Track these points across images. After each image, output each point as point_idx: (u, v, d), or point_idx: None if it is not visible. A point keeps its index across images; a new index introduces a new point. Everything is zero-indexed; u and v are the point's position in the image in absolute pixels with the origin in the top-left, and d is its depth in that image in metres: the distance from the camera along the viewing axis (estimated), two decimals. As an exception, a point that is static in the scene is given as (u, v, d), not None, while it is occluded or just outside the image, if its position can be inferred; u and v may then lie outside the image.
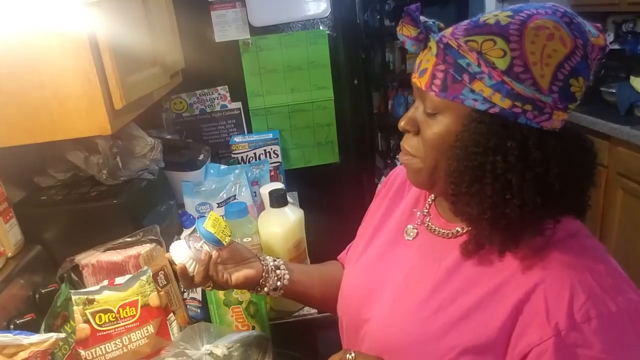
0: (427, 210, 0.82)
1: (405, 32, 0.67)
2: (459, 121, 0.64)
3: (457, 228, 0.75)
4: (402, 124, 0.72)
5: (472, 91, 0.62)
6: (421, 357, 0.70)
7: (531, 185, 0.60)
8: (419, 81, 0.67)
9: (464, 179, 0.63)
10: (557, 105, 0.61)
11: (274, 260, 0.92)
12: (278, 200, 1.16)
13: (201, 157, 1.74)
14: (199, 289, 1.13)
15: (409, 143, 0.73)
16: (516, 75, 0.60)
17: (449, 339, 0.67)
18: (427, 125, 0.68)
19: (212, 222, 0.83)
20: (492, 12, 0.66)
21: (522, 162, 0.60)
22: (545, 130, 0.62)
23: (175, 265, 0.84)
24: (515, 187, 0.60)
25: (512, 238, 0.64)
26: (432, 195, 0.83)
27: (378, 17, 3.58)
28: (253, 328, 1.06)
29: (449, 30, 0.67)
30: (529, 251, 0.65)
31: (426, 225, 0.80)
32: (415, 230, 0.81)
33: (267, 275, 0.89)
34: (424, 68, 0.66)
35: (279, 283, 0.90)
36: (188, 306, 1.15)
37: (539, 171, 0.60)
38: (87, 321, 0.95)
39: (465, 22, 0.67)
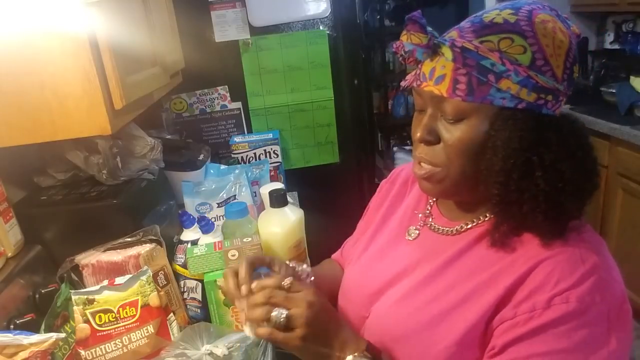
0: (429, 211, 0.82)
1: (415, 40, 0.65)
2: (486, 122, 0.64)
3: (461, 224, 0.75)
4: (419, 135, 0.69)
5: (499, 90, 0.63)
6: (416, 346, 0.70)
7: (579, 169, 0.64)
8: (436, 89, 0.65)
9: (511, 176, 0.64)
10: (566, 91, 0.65)
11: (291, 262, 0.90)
12: (278, 200, 1.16)
13: (201, 157, 1.74)
14: (199, 289, 1.13)
15: (428, 153, 0.70)
16: (539, 69, 0.63)
17: (443, 327, 0.68)
18: (450, 131, 0.67)
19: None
20: (489, 10, 0.68)
21: (564, 149, 0.63)
22: (560, 116, 0.65)
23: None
24: (568, 174, 0.62)
25: (561, 226, 0.65)
26: None
27: (378, 17, 3.58)
28: (253, 328, 1.06)
29: (454, 33, 0.67)
30: (531, 240, 0.66)
31: (429, 225, 0.81)
32: (417, 232, 0.82)
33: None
34: (441, 74, 0.65)
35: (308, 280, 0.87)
36: (188, 306, 1.15)
37: (580, 155, 0.64)
38: (87, 321, 0.95)
39: (467, 24, 0.67)
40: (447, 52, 0.64)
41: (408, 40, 0.66)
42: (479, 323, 0.66)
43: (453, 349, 0.67)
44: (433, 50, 0.66)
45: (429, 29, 0.66)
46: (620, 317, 0.63)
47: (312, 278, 0.88)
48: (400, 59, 0.70)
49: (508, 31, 0.63)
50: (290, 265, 0.87)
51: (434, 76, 0.66)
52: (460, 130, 0.66)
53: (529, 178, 0.63)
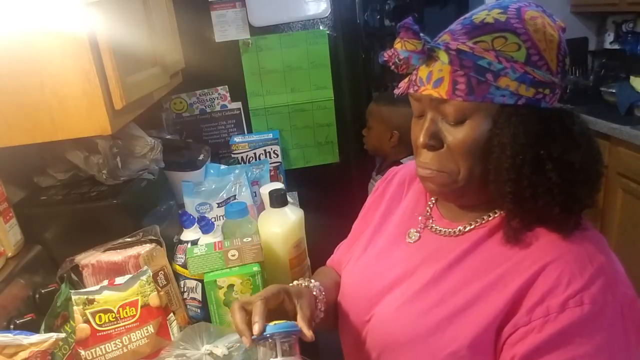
0: (428, 213, 0.82)
1: (410, 47, 0.65)
2: (488, 120, 0.65)
3: (463, 225, 0.75)
4: (422, 141, 0.69)
5: (498, 88, 0.63)
6: (422, 350, 0.70)
7: (587, 158, 0.64)
8: (435, 92, 0.65)
9: (522, 173, 0.64)
10: (561, 84, 0.66)
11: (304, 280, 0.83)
12: (278, 200, 1.16)
13: (201, 157, 1.74)
14: (199, 289, 1.13)
15: (434, 159, 0.70)
16: (534, 64, 0.64)
17: (451, 330, 0.67)
18: (452, 134, 0.67)
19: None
20: (477, 11, 0.68)
21: (569, 139, 0.64)
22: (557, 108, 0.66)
23: None
24: (577, 164, 0.63)
25: (577, 217, 0.66)
26: (434, 198, 0.83)
27: (378, 17, 3.57)
28: (253, 328, 1.06)
29: (446, 37, 0.67)
30: (534, 240, 0.66)
31: (429, 227, 0.80)
32: (418, 234, 0.81)
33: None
34: (439, 78, 0.65)
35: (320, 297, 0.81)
36: (188, 306, 1.15)
37: (585, 143, 0.65)
38: (87, 321, 0.95)
39: (458, 26, 0.68)
40: (442, 56, 0.65)
41: (403, 48, 0.66)
42: (490, 327, 0.65)
43: (462, 353, 0.66)
44: (428, 55, 0.66)
45: (422, 34, 0.66)
46: (632, 312, 0.63)
47: (324, 294, 0.82)
48: (393, 67, 0.70)
49: (500, 30, 0.64)
50: (303, 285, 0.81)
51: (431, 80, 0.66)
52: (462, 131, 0.66)
53: (541, 172, 0.63)
